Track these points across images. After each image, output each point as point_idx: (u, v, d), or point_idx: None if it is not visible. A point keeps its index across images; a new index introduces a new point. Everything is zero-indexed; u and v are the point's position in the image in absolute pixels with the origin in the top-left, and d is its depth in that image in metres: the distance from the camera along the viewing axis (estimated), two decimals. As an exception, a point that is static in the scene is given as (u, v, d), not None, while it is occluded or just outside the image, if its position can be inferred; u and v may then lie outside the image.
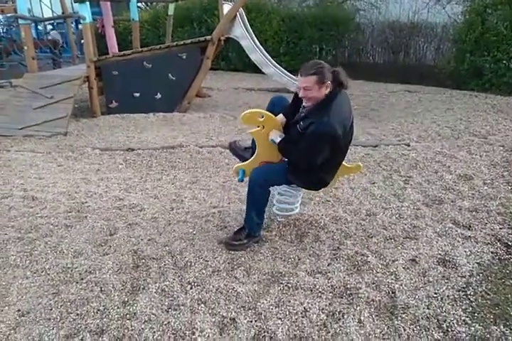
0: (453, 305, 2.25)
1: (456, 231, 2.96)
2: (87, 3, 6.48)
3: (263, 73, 8.06)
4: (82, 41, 7.05)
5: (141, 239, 2.95)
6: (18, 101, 6.33)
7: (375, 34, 11.32)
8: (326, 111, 2.47)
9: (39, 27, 13.96)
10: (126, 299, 2.34)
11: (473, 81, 8.55)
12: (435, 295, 2.31)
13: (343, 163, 2.89)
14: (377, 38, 11.31)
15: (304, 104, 2.64)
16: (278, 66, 7.77)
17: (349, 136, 2.69)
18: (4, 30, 11.59)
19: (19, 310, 2.27)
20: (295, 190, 3.00)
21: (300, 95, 2.57)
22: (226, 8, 7.53)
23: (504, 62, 8.07)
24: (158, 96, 7.06)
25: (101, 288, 2.43)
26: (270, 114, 2.75)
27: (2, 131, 5.81)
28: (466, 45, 8.55)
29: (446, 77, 9.13)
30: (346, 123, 2.59)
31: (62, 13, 9.74)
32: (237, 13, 7.28)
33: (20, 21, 6.64)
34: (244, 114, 2.73)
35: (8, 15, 9.79)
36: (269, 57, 7.84)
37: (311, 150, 2.55)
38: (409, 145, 4.93)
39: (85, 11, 6.41)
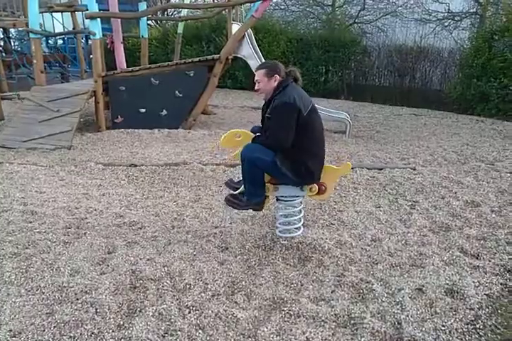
0: (461, 339, 2.15)
1: (464, 260, 2.88)
2: (98, 19, 6.58)
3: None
4: (91, 56, 7.11)
5: (140, 259, 2.87)
6: (25, 113, 6.35)
7: (382, 57, 11.44)
8: (284, 92, 2.80)
9: (50, 41, 14.20)
10: (121, 322, 2.26)
11: (479, 106, 8.57)
12: (443, 328, 2.22)
13: (331, 165, 3.00)
14: (383, 61, 11.43)
15: (263, 99, 2.95)
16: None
17: (316, 117, 2.85)
18: (16, 44, 11.77)
19: (11, 330, 2.19)
20: (296, 205, 3.02)
21: (256, 88, 2.91)
22: (235, 28, 7.63)
23: (511, 88, 8.09)
24: (164, 112, 7.08)
25: (96, 309, 2.34)
26: (245, 131, 2.97)
27: (7, 143, 5.82)
28: (473, 70, 8.61)
29: (452, 101, 9.16)
30: (305, 100, 2.80)
31: (73, 28, 9.92)
32: (246, 34, 7.36)
33: (32, 35, 6.73)
34: (222, 139, 2.96)
35: (20, 29, 9.94)
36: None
37: (277, 123, 2.75)
38: (415, 169, 4.88)
39: (96, 27, 6.50)
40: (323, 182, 2.96)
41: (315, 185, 2.94)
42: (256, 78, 2.89)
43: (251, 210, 3.19)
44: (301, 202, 3.07)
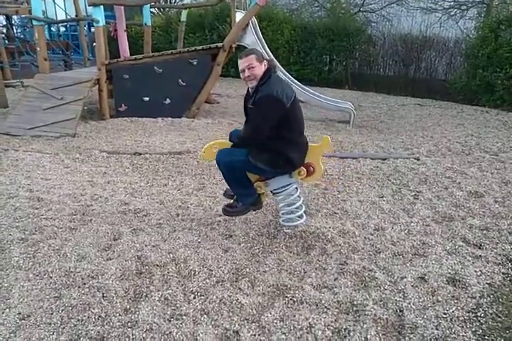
0: (462, 326, 2.19)
1: (467, 249, 2.90)
2: (101, 6, 6.53)
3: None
4: (94, 44, 7.08)
5: (146, 245, 2.91)
6: (29, 101, 6.35)
7: (387, 46, 11.33)
8: (267, 84, 2.77)
9: (52, 28, 14.11)
10: (128, 306, 2.30)
11: (484, 96, 8.51)
12: (444, 316, 2.25)
13: (311, 144, 2.98)
14: (388, 50, 11.32)
15: (249, 86, 2.89)
16: (288, 75, 7.77)
17: (297, 106, 2.85)
18: (18, 31, 11.70)
19: (20, 313, 2.24)
20: (292, 192, 3.04)
21: (245, 75, 2.80)
22: (238, 16, 7.57)
23: (516, 78, 8.04)
24: (168, 101, 7.07)
25: (103, 293, 2.38)
26: (220, 141, 3.05)
27: (11, 130, 5.83)
28: (479, 60, 8.54)
29: (457, 91, 9.11)
30: (288, 91, 2.78)
31: (76, 15, 9.85)
32: (250, 22, 7.30)
33: (34, 22, 6.69)
34: (202, 154, 3.02)
35: (23, 16, 9.87)
36: (280, 66, 7.82)
37: (258, 114, 2.78)
38: (418, 160, 4.89)
39: (99, 15, 6.45)
40: (309, 162, 2.98)
41: (302, 168, 2.96)
42: (246, 64, 2.78)
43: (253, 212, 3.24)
44: (296, 188, 3.08)
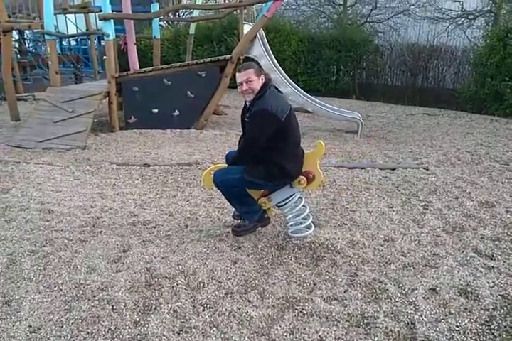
0: (476, 339, 2.14)
1: (479, 260, 2.86)
2: (112, 21, 6.66)
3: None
4: (104, 57, 7.20)
5: (155, 257, 2.92)
6: (40, 114, 6.46)
7: (394, 56, 11.37)
8: (262, 99, 2.84)
9: (63, 42, 14.37)
10: (137, 319, 2.30)
11: (493, 105, 8.47)
12: (457, 329, 2.21)
13: (306, 151, 3.02)
14: (395, 60, 11.36)
15: (246, 99, 2.95)
16: (295, 86, 7.82)
17: (293, 120, 2.92)
18: (31, 45, 11.93)
19: (30, 326, 2.24)
20: (297, 202, 3.07)
21: (243, 88, 2.87)
22: (246, 28, 7.66)
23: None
24: (176, 113, 7.14)
25: (113, 306, 2.39)
26: (217, 165, 3.18)
27: (23, 143, 5.92)
28: (487, 69, 8.52)
29: (465, 100, 9.08)
30: (284, 106, 2.85)
31: (87, 29, 10.03)
32: (258, 34, 7.38)
33: (47, 37, 6.84)
34: (203, 181, 3.14)
35: (35, 30, 10.09)
36: (287, 77, 7.90)
37: (254, 127, 2.87)
38: (428, 169, 4.86)
39: (109, 29, 6.58)
40: (308, 170, 2.99)
41: (301, 177, 2.97)
42: (245, 78, 2.85)
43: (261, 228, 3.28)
44: (300, 198, 3.10)
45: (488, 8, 12.18)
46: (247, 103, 2.98)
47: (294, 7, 15.42)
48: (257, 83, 2.87)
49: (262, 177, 2.91)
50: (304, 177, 2.97)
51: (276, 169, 2.87)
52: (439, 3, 13.00)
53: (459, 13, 12.56)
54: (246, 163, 2.94)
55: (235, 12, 8.96)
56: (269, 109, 2.76)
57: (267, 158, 2.86)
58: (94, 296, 2.48)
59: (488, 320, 2.28)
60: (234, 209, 3.31)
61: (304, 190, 3.13)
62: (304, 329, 2.22)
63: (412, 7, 13.65)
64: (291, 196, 3.04)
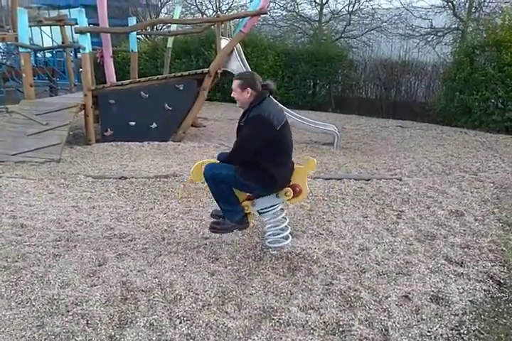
0: (447, 344, 2.21)
1: (449, 267, 2.95)
2: (88, 34, 6.66)
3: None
4: (81, 70, 7.17)
5: (131, 270, 2.89)
6: (14, 127, 6.35)
7: (368, 71, 11.69)
8: (259, 106, 2.88)
9: (38, 55, 14.21)
10: (113, 333, 2.27)
11: (462, 118, 8.78)
12: (428, 334, 2.27)
13: (297, 165, 3.07)
14: (369, 74, 11.67)
15: (241, 108, 3.00)
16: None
17: (287, 131, 2.97)
18: (4, 57, 11.77)
19: (0, 343, 2.19)
20: (278, 212, 3.10)
21: (232, 95, 2.96)
22: (223, 42, 7.76)
23: (492, 100, 8.33)
24: (154, 125, 7.13)
25: (87, 320, 2.35)
26: (208, 160, 3.12)
27: (-5, 156, 5.79)
28: (456, 83, 8.85)
29: (436, 113, 9.38)
30: (279, 115, 2.91)
31: (62, 42, 9.98)
32: (235, 48, 7.49)
33: (21, 49, 6.78)
34: (191, 174, 3.11)
35: (9, 43, 9.97)
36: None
37: (246, 132, 2.90)
38: (401, 180, 4.99)
39: (85, 41, 6.58)
40: (296, 183, 3.05)
41: (289, 188, 3.02)
42: (233, 86, 2.94)
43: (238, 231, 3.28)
44: (282, 209, 3.15)
45: (456, 25, 12.73)
46: (244, 110, 3.02)
47: (270, 22, 15.75)
48: (240, 95, 2.90)
49: (253, 181, 2.92)
50: (291, 190, 3.02)
51: (267, 176, 2.89)
52: (409, 21, 13.52)
53: (429, 30, 13.09)
54: (237, 166, 2.94)
55: (212, 27, 9.07)
56: (265, 115, 2.81)
57: (259, 164, 2.88)
58: (68, 311, 2.43)
59: (458, 324, 2.35)
60: (213, 208, 3.29)
61: (288, 202, 3.17)
62: (281, 338, 2.23)
63: (384, 24, 14.16)
64: (274, 205, 3.09)
